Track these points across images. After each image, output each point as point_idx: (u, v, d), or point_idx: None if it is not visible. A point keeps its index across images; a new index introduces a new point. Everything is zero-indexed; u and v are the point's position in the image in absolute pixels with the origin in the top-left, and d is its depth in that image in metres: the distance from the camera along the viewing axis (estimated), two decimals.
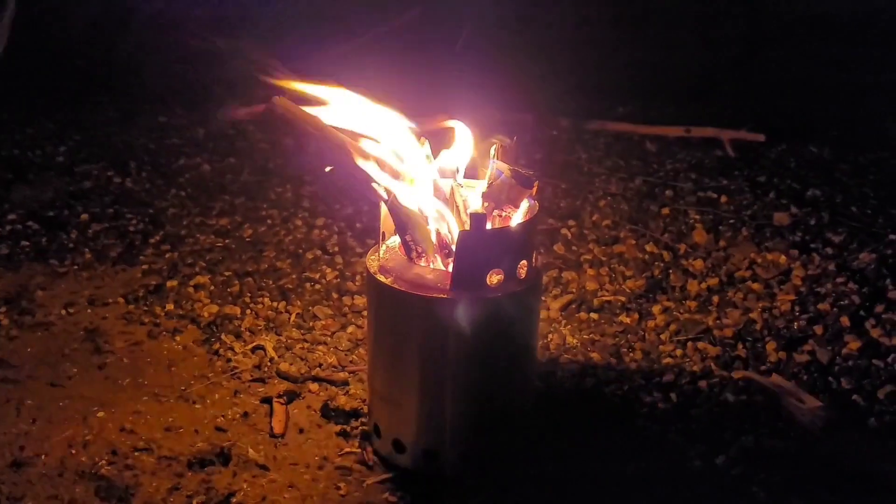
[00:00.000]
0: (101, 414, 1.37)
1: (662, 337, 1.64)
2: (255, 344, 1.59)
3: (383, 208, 1.24)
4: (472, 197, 1.25)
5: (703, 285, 1.84)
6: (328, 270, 1.90)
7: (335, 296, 1.79)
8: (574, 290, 1.83)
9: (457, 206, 1.22)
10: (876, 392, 1.46)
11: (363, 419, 1.36)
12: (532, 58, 3.38)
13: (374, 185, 1.19)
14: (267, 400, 1.42)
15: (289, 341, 1.61)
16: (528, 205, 1.21)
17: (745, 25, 3.73)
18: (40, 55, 3.38)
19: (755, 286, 1.84)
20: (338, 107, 1.21)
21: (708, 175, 2.55)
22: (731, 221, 2.19)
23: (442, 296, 1.14)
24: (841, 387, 1.48)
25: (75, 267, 1.91)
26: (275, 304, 1.74)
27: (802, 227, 2.16)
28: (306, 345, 1.60)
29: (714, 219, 2.21)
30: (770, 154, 2.75)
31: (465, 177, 1.28)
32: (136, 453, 1.27)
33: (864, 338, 1.62)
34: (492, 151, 1.25)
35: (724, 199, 2.35)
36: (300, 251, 2.01)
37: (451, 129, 1.24)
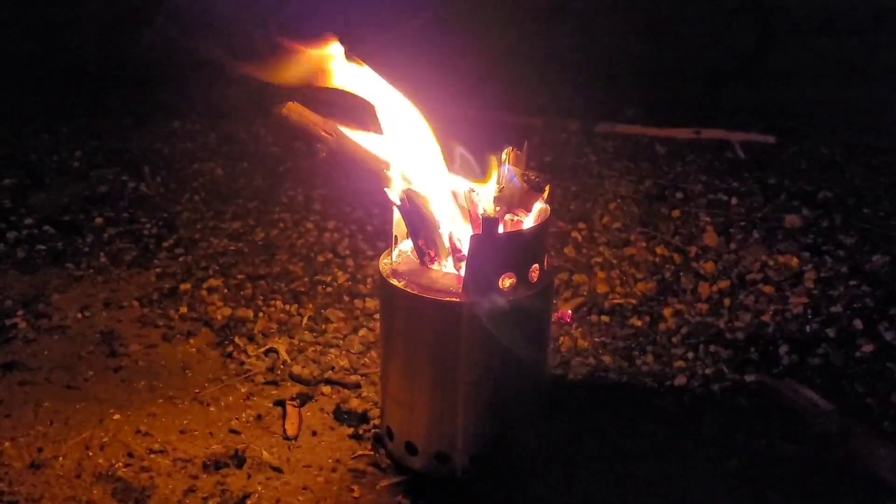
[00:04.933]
0: (116, 416, 1.39)
1: (674, 340, 1.64)
2: (267, 347, 1.60)
3: (396, 212, 1.25)
4: (485, 201, 1.25)
5: (715, 288, 1.84)
6: (340, 273, 1.91)
7: (347, 298, 1.80)
8: (585, 292, 1.83)
9: (469, 211, 1.23)
10: (890, 395, 1.45)
11: (375, 422, 1.37)
12: (540, 61, 3.38)
13: (387, 190, 1.20)
14: (280, 402, 1.43)
15: (301, 344, 1.62)
16: (539, 209, 1.22)
17: (755, 26, 3.71)
18: (55, 62, 3.42)
19: (767, 289, 1.83)
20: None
21: (718, 177, 2.55)
22: (742, 224, 2.19)
23: (454, 299, 1.15)
24: (854, 390, 1.47)
25: (91, 270, 1.93)
26: (287, 307, 1.76)
27: (814, 229, 2.15)
28: (319, 347, 1.61)
29: (725, 221, 2.21)
30: (781, 156, 2.74)
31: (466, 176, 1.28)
32: (151, 455, 1.29)
33: (877, 341, 1.62)
34: (503, 156, 1.26)
35: (734, 201, 2.34)
36: (312, 254, 2.02)
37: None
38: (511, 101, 3.11)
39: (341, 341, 1.63)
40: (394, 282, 1.20)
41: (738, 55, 3.61)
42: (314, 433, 1.36)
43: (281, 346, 1.60)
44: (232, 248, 2.06)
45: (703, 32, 3.69)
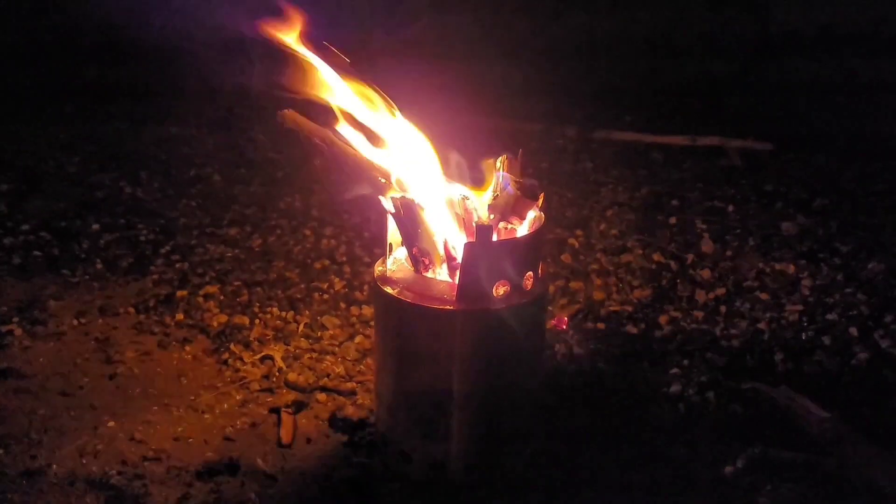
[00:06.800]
0: (111, 423, 1.38)
1: (670, 347, 1.64)
2: (263, 354, 1.60)
3: (390, 220, 1.25)
4: (479, 208, 1.26)
5: (711, 295, 1.84)
6: (336, 280, 1.91)
7: (343, 305, 1.80)
8: (581, 299, 1.83)
9: (463, 218, 1.23)
10: (885, 403, 1.46)
11: (370, 429, 1.37)
12: (538, 66, 3.39)
13: (381, 197, 1.21)
14: (275, 410, 1.43)
15: (297, 351, 1.62)
16: (533, 216, 1.22)
17: (751, 34, 3.73)
18: (53, 66, 3.43)
19: (763, 296, 1.83)
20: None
21: (715, 184, 2.55)
22: (738, 231, 2.19)
23: (448, 307, 1.15)
24: (849, 398, 1.47)
25: (87, 277, 1.93)
26: (283, 313, 1.76)
27: (810, 236, 2.16)
28: (314, 355, 1.61)
29: (721, 228, 2.21)
30: (777, 163, 2.75)
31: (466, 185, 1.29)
32: (145, 463, 1.29)
33: (872, 348, 1.62)
34: (498, 163, 1.26)
35: (731, 208, 2.35)
36: (309, 261, 2.02)
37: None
38: (508, 107, 3.12)
39: (337, 348, 1.63)
40: (388, 289, 1.20)
41: (735, 62, 3.63)
42: (309, 441, 1.36)
43: (277, 353, 1.60)
44: (229, 254, 2.06)
45: (701, 40, 3.71)
